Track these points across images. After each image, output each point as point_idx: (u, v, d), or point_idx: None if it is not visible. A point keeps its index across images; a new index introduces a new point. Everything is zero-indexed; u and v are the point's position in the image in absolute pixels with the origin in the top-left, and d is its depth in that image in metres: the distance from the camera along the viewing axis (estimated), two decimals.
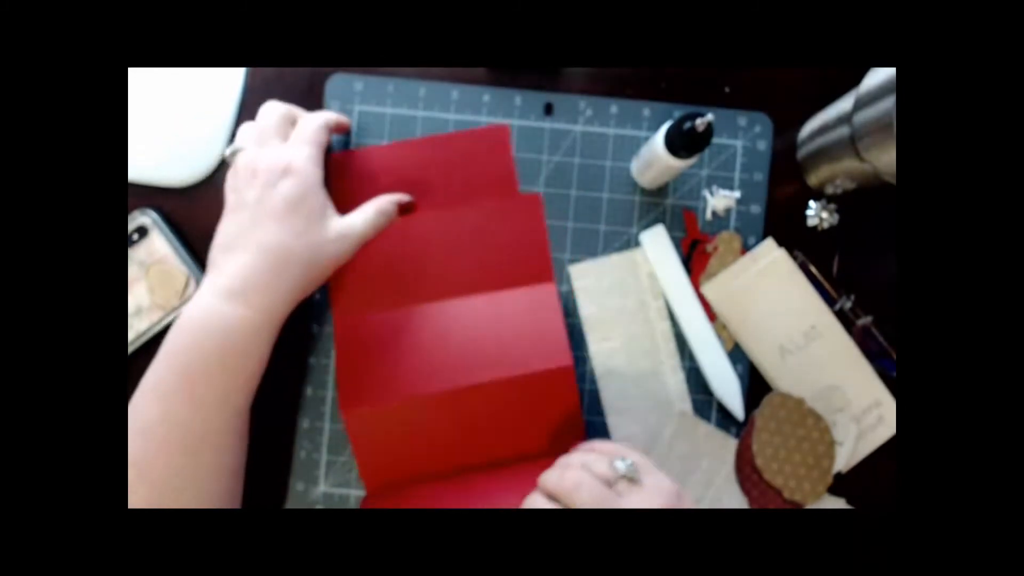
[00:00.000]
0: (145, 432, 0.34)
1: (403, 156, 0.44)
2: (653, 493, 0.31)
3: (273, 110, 0.41)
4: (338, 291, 0.43)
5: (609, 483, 0.31)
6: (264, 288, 0.36)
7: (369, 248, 0.42)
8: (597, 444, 0.35)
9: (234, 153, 0.39)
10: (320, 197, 0.39)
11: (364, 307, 0.43)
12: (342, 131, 0.44)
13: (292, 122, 0.41)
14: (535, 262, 0.44)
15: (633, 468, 0.32)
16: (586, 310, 0.45)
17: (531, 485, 0.33)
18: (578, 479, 0.31)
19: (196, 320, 0.36)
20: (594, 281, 0.45)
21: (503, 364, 0.40)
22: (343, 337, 0.42)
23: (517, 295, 0.43)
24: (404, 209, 0.43)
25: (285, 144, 0.40)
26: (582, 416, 0.43)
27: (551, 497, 0.32)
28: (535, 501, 0.32)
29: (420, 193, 0.44)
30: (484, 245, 0.44)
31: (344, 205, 0.41)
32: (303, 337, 0.45)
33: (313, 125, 0.40)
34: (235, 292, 0.36)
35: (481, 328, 0.42)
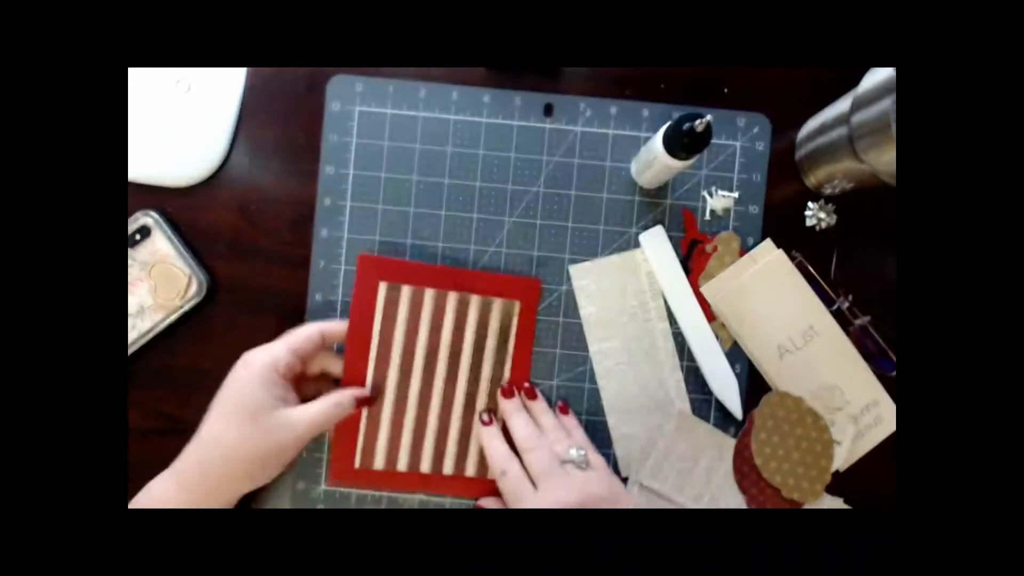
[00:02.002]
0: None
1: (431, 276, 0.44)
2: (589, 481, 0.39)
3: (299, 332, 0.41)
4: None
5: (561, 460, 0.39)
6: (203, 477, 0.37)
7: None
8: (566, 421, 0.43)
9: None
10: (272, 396, 0.38)
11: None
12: (337, 339, 0.43)
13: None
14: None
15: (583, 459, 0.39)
16: (586, 310, 0.46)
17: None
18: (536, 443, 0.40)
19: (151, 495, 0.37)
20: (594, 281, 0.46)
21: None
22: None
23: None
24: (362, 402, 0.42)
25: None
26: None
27: (512, 446, 0.41)
28: (496, 448, 0.41)
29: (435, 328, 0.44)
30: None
31: (361, 306, 0.43)
32: None
33: (299, 331, 0.41)
34: (178, 478, 0.38)
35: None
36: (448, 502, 0.45)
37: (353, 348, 0.43)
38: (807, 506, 0.43)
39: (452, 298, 0.44)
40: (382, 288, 0.44)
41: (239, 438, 0.37)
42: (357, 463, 0.44)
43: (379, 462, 0.44)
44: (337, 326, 0.43)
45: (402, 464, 0.44)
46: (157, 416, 0.45)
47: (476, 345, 0.44)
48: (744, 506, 0.44)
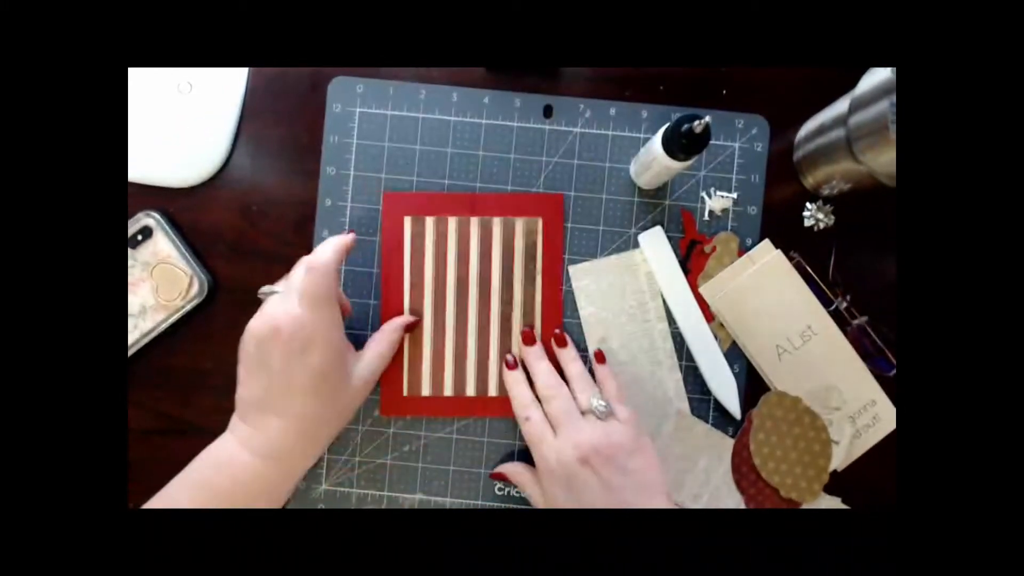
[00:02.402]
0: None
1: (456, 202, 0.46)
2: (610, 430, 0.38)
3: (313, 264, 0.38)
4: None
5: (581, 410, 0.40)
6: (299, 454, 0.39)
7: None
8: (600, 371, 0.43)
9: (268, 294, 0.39)
10: (344, 361, 0.39)
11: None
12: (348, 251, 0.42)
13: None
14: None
15: (604, 410, 0.39)
16: (585, 310, 0.46)
17: None
18: (557, 392, 0.41)
19: (228, 470, 0.37)
20: (593, 282, 0.46)
21: None
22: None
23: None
24: (410, 327, 0.45)
25: (304, 302, 0.37)
26: None
27: (535, 393, 0.42)
28: (520, 394, 0.42)
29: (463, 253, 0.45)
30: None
31: (391, 242, 0.45)
32: None
33: (323, 276, 0.38)
34: (271, 455, 0.37)
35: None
36: (448, 502, 0.45)
37: (388, 285, 0.45)
38: (805, 506, 0.43)
39: (475, 223, 0.45)
40: (407, 223, 0.45)
41: (328, 406, 0.39)
42: (405, 391, 0.45)
43: (426, 389, 0.45)
44: (346, 239, 0.40)
45: (448, 389, 0.45)
46: (157, 416, 0.45)
47: (504, 267, 0.45)
48: (742, 506, 0.44)
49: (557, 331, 0.45)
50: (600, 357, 0.44)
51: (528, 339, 0.44)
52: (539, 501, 0.40)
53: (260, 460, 0.37)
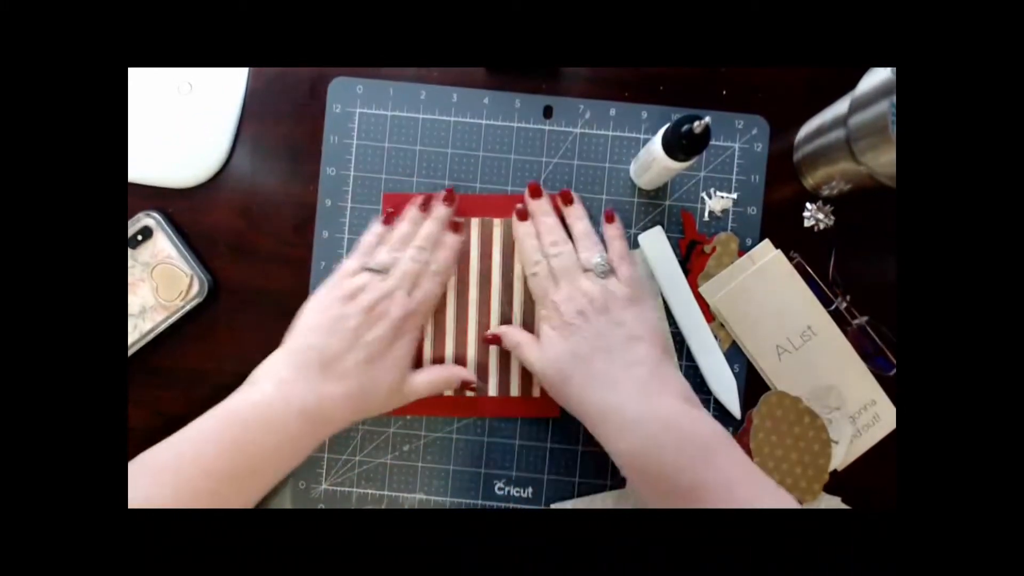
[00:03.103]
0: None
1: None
2: (610, 284, 0.40)
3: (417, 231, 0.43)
4: None
5: (584, 268, 0.41)
6: (335, 426, 0.40)
7: None
8: (609, 230, 0.44)
9: (376, 269, 0.42)
10: (408, 363, 0.42)
11: None
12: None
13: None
14: None
15: (605, 268, 0.40)
16: None
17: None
18: (561, 248, 0.42)
19: (266, 424, 0.37)
20: None
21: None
22: None
23: None
24: (466, 387, 0.44)
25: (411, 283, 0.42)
26: None
27: (538, 242, 0.43)
28: (529, 247, 0.43)
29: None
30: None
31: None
32: None
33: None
34: (317, 419, 0.38)
35: None
36: (448, 502, 0.45)
37: None
38: (805, 506, 0.43)
39: (475, 224, 0.45)
40: None
41: (379, 393, 0.40)
42: None
43: None
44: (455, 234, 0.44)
45: (448, 391, 0.45)
46: (157, 416, 0.45)
47: (505, 267, 0.45)
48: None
49: (564, 189, 0.45)
50: (609, 217, 0.44)
51: (535, 192, 0.44)
52: (534, 360, 0.41)
53: (303, 421, 0.37)
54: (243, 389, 0.38)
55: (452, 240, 0.43)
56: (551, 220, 0.43)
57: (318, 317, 0.40)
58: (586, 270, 0.41)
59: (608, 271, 0.40)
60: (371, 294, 0.40)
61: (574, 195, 0.44)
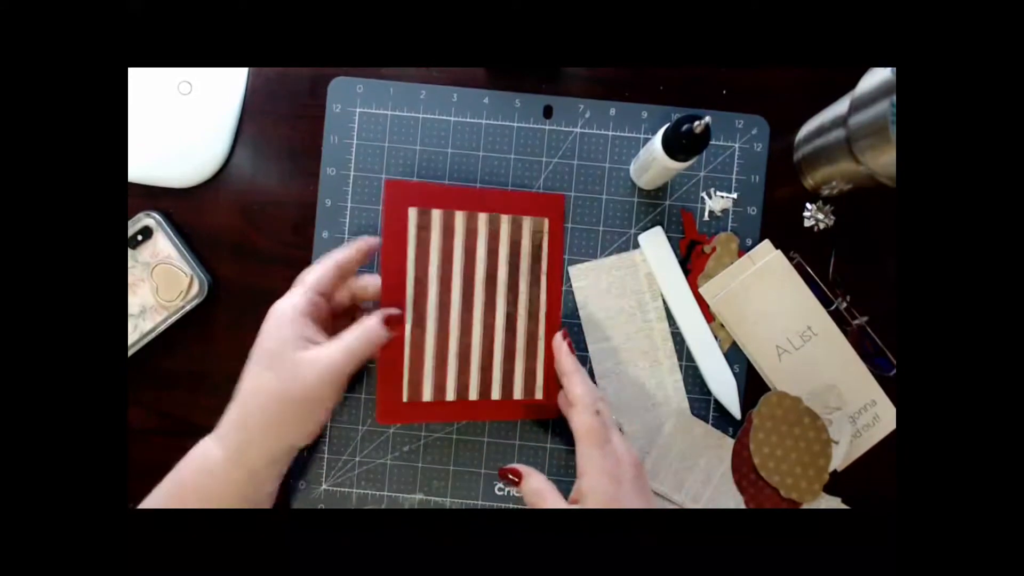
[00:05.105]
0: None
1: (460, 197, 0.43)
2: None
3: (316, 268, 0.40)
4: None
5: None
6: (255, 442, 0.36)
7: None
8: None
9: None
10: (289, 332, 0.36)
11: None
12: (366, 256, 0.41)
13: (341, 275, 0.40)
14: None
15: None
16: (585, 311, 0.46)
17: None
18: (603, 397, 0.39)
19: (194, 461, 0.37)
20: (593, 282, 0.46)
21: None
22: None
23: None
24: (392, 322, 0.39)
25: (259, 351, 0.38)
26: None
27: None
28: (587, 383, 0.40)
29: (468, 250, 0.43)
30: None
31: (393, 233, 0.41)
32: None
33: (314, 268, 0.39)
34: (224, 435, 0.37)
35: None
36: (448, 502, 0.45)
37: (389, 280, 0.41)
38: (805, 506, 0.43)
39: (483, 220, 0.43)
40: (412, 214, 0.41)
41: (268, 383, 0.36)
42: (405, 397, 0.41)
43: (427, 394, 0.42)
44: (350, 252, 0.40)
45: (450, 393, 0.42)
46: (157, 416, 0.46)
47: (511, 265, 0.44)
48: (742, 506, 0.44)
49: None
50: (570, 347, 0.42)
51: (569, 346, 0.42)
52: (555, 500, 0.37)
53: (216, 444, 0.36)
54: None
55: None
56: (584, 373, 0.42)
57: None
58: None
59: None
60: None
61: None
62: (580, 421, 0.37)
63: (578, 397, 0.38)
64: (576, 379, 0.40)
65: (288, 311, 0.37)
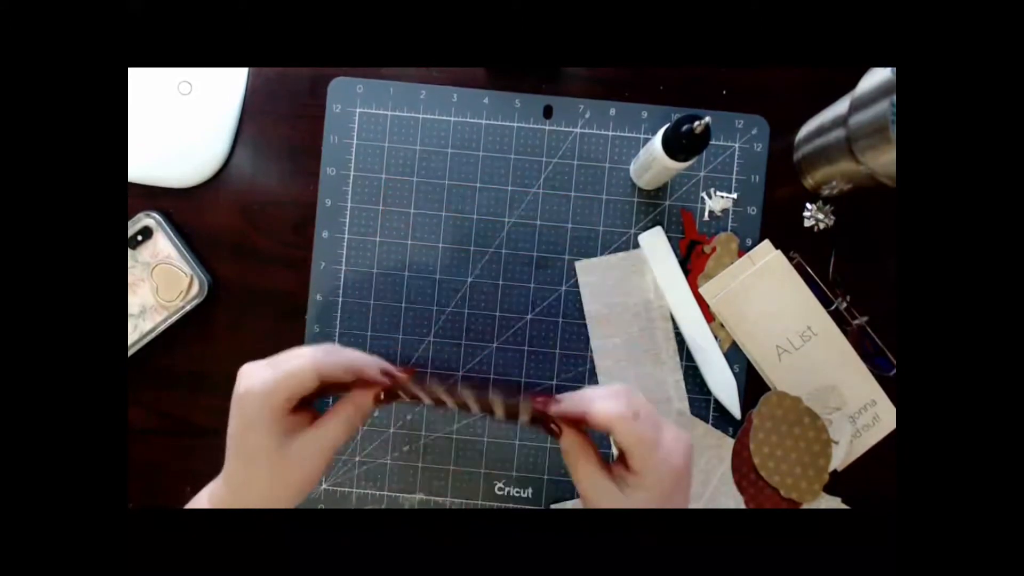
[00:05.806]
0: None
1: None
2: None
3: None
4: None
5: None
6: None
7: None
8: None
9: None
10: (268, 433, 0.31)
11: None
12: (335, 374, 0.32)
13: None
14: None
15: None
16: (590, 307, 0.46)
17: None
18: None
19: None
20: (599, 278, 0.46)
21: None
22: None
23: None
24: (385, 399, 0.33)
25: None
26: None
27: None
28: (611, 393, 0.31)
29: None
30: None
31: None
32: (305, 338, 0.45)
33: (292, 366, 0.31)
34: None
35: None
36: (448, 502, 0.45)
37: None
38: (805, 506, 0.43)
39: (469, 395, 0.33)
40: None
41: (258, 480, 0.32)
42: None
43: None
44: (335, 360, 0.32)
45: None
46: (158, 416, 0.46)
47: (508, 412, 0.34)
48: (742, 506, 0.44)
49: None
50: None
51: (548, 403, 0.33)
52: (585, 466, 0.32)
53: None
54: None
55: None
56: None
57: None
58: None
59: None
60: None
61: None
62: (623, 434, 0.30)
63: (611, 416, 0.30)
64: (587, 406, 0.31)
65: (266, 410, 0.31)
